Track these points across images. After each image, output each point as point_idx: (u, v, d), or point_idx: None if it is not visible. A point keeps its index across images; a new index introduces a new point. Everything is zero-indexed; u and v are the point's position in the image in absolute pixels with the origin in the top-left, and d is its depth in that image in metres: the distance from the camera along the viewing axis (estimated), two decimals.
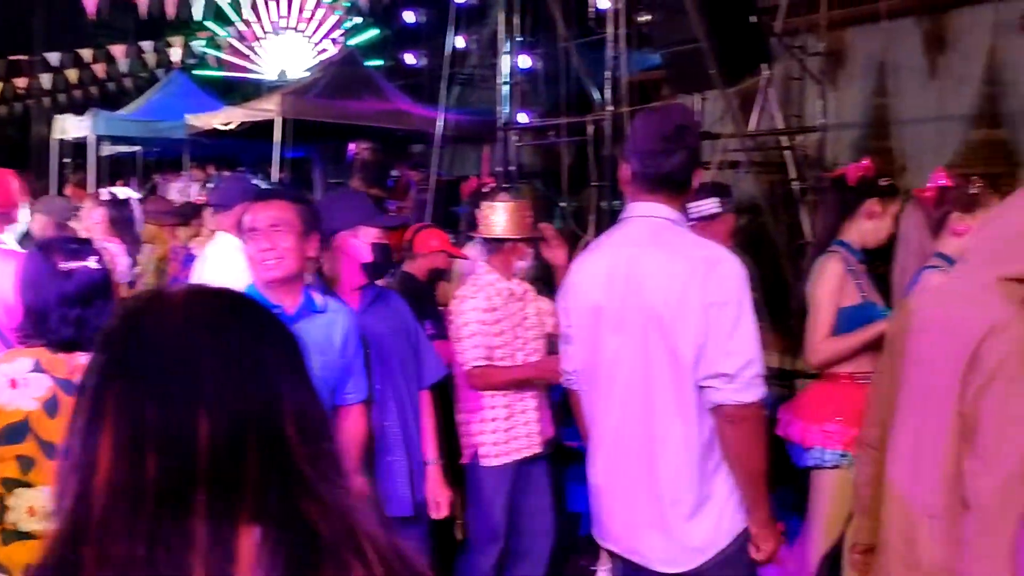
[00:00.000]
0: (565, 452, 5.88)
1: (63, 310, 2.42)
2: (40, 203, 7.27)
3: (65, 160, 16.07)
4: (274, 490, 0.91)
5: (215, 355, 0.94)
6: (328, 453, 0.98)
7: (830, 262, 3.68)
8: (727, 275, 2.51)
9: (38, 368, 2.36)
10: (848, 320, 3.65)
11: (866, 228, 3.69)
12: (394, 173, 13.10)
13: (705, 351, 2.47)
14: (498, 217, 3.89)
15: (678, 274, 2.51)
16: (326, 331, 3.01)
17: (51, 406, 2.32)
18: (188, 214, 8.22)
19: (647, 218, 2.66)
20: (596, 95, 8.34)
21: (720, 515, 2.58)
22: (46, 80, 15.64)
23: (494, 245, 3.95)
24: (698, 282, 2.48)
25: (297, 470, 0.93)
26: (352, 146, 12.42)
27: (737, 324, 2.46)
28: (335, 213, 3.37)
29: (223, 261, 3.97)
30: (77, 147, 15.04)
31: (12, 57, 15.08)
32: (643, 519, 2.63)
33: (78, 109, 15.40)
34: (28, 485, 2.30)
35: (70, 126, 14.85)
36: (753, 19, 7.40)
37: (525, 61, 10.50)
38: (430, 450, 3.56)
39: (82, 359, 2.35)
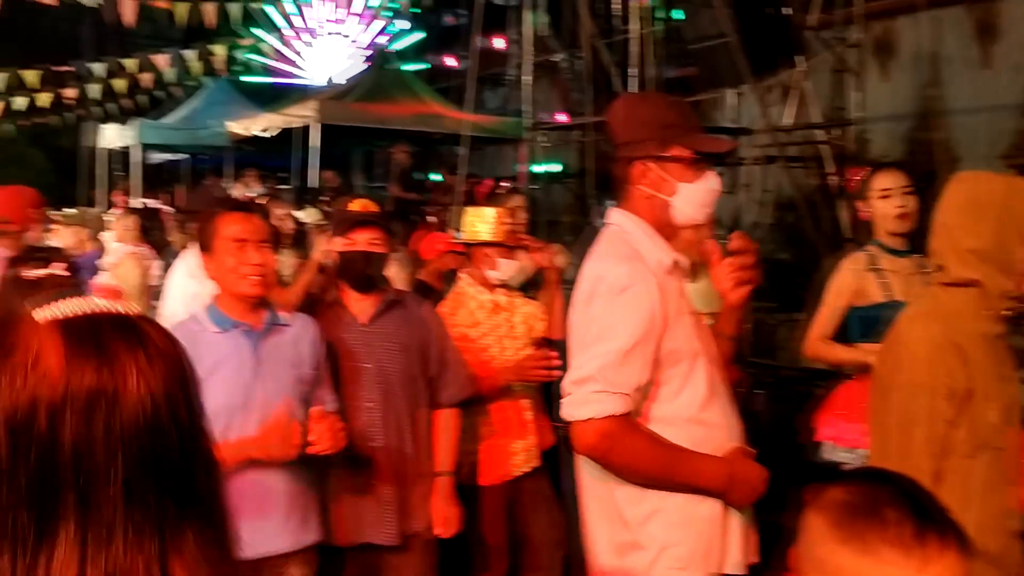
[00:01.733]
0: None
1: None
2: (75, 216, 7.41)
3: (115, 169, 16.37)
4: None
5: None
6: None
7: (845, 261, 3.65)
8: (587, 280, 2.29)
9: None
10: (861, 322, 3.53)
11: (877, 227, 3.58)
12: (435, 177, 13.14)
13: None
14: (473, 223, 3.75)
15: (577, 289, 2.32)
16: (294, 345, 2.90)
17: None
18: None
19: (607, 225, 2.41)
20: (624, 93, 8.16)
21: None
22: (95, 90, 15.94)
23: (471, 252, 3.82)
24: (580, 297, 2.29)
25: None
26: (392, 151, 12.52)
27: (585, 337, 2.24)
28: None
29: (196, 273, 3.88)
30: (125, 156, 15.28)
31: (62, 68, 15.38)
32: None
33: (126, 118, 15.65)
34: None
35: (115, 135, 15.09)
36: (787, 11, 7.20)
37: (559, 60, 10.39)
38: (442, 463, 3.39)
39: None
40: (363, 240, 3.19)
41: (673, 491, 2.23)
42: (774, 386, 6.36)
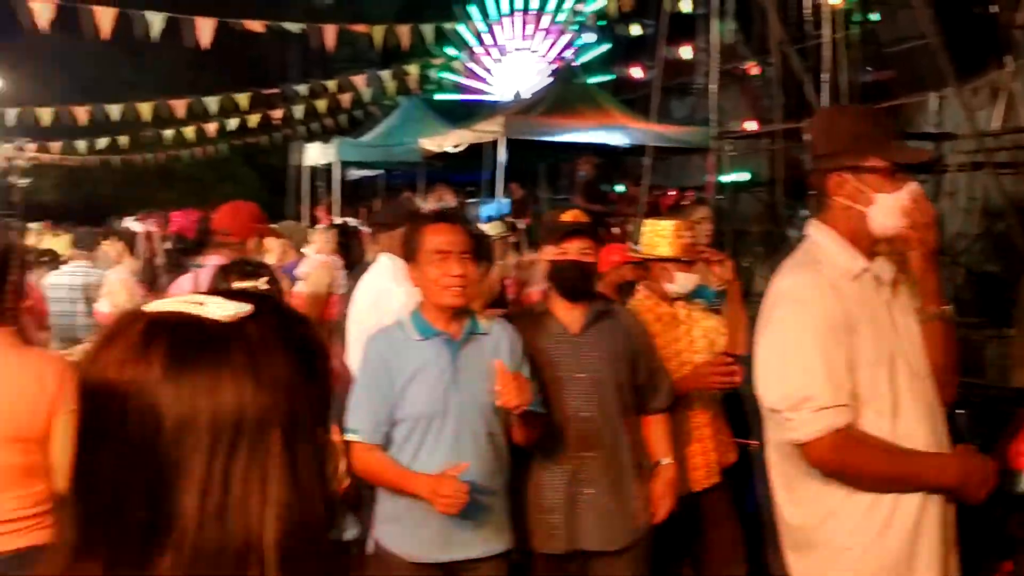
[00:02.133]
0: None
1: None
2: (281, 228, 7.88)
3: (318, 184, 17.28)
4: None
5: None
6: None
7: None
8: (769, 294, 2.34)
9: None
10: None
11: None
12: (619, 188, 13.14)
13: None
14: (650, 235, 3.72)
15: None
16: (493, 353, 2.93)
17: None
18: None
19: (804, 237, 2.44)
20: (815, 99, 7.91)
21: None
22: (299, 110, 16.93)
23: (649, 263, 3.79)
24: (763, 311, 2.34)
25: None
26: (577, 163, 12.62)
27: (777, 353, 2.27)
28: None
29: (383, 281, 4.03)
30: (326, 172, 16.12)
31: (269, 91, 16.43)
32: None
33: (328, 137, 16.49)
34: None
35: (317, 153, 15.93)
36: (994, 9, 6.79)
37: (747, 68, 10.19)
38: (662, 453, 3.41)
39: None
40: (574, 249, 3.21)
41: (909, 491, 2.24)
42: (981, 407, 5.98)
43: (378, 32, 12.41)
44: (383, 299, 3.80)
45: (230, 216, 4.47)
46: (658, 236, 3.71)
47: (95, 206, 22.49)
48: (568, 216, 3.30)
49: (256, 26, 11.37)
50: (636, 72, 16.61)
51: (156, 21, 10.02)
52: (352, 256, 7.62)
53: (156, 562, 0.86)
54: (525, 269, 7.61)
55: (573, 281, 3.23)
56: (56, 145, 21.16)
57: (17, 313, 2.68)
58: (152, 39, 10.23)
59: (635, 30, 16.80)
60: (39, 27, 9.35)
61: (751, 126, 11.22)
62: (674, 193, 5.68)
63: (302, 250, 8.47)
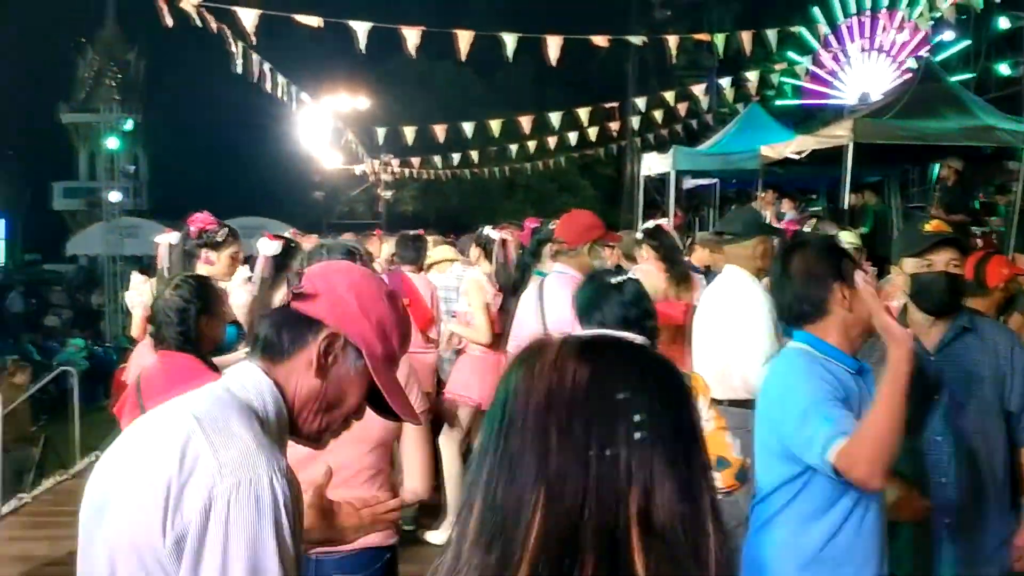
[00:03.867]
0: None
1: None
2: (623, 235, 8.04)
3: (655, 195, 17.43)
4: None
5: None
6: None
7: None
8: None
9: None
10: None
11: None
12: (982, 197, 12.06)
13: None
14: None
15: None
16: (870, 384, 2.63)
17: None
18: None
19: None
20: None
21: None
22: (636, 121, 17.18)
23: None
24: None
25: None
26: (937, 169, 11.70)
27: None
28: None
29: (730, 293, 3.94)
30: (662, 182, 16.21)
31: (609, 104, 16.84)
32: None
33: (667, 147, 16.62)
34: None
35: (654, 163, 16.07)
36: None
37: None
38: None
39: None
40: (940, 261, 2.98)
41: None
42: None
43: (720, 40, 12.26)
44: (748, 311, 3.74)
45: (565, 224, 4.75)
46: None
47: (446, 216, 24.27)
48: (931, 226, 3.08)
49: (601, 41, 11.61)
50: (1004, 68, 15.18)
51: (510, 41, 10.55)
52: (676, 266, 7.56)
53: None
54: None
55: (937, 296, 2.98)
56: (416, 160, 23.07)
57: None
58: (506, 59, 10.78)
59: (1003, 23, 15.32)
60: (409, 52, 10.17)
61: None
62: None
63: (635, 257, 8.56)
